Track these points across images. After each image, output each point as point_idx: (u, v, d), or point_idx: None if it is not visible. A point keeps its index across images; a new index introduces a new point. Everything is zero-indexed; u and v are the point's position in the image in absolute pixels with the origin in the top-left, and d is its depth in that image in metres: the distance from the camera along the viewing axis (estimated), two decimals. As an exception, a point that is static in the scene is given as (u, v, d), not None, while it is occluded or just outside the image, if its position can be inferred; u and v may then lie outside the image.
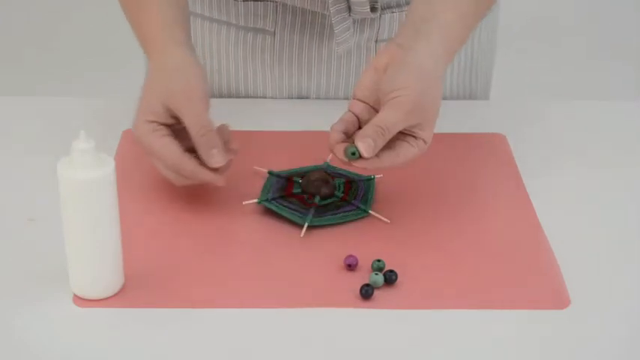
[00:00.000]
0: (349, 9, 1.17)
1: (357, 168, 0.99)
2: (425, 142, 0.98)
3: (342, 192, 1.06)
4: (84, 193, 0.87)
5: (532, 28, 3.31)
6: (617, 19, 3.41)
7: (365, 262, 0.97)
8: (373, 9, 1.18)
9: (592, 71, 3.11)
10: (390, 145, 0.97)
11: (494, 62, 1.36)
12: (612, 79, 3.05)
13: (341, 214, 1.03)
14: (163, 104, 1.00)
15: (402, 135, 0.98)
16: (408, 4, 1.22)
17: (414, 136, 0.98)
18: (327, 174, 1.07)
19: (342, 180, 1.08)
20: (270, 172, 1.09)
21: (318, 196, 1.04)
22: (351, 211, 1.04)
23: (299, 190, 1.06)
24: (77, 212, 0.88)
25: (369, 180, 1.08)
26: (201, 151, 0.99)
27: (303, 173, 1.09)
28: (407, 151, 0.98)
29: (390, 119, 0.95)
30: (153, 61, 1.05)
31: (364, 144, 0.95)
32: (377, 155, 0.96)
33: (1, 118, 1.23)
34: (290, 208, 1.03)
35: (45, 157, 1.14)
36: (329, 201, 1.05)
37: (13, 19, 3.35)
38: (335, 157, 0.99)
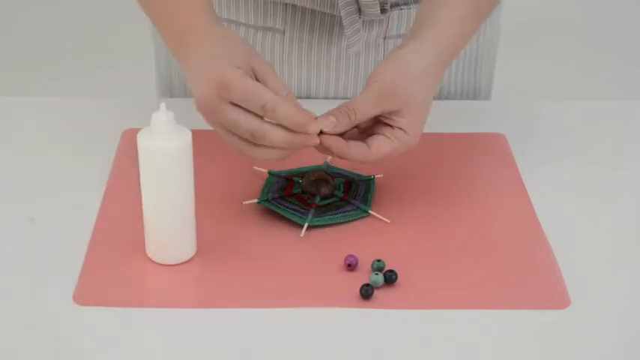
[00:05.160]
0: (359, 11, 1.17)
1: (359, 166, 1.00)
2: (405, 131, 0.98)
3: (342, 192, 1.06)
4: (163, 163, 0.92)
5: (532, 29, 3.31)
6: (618, 19, 3.41)
7: (365, 262, 0.97)
8: (383, 10, 1.18)
9: (592, 71, 3.11)
10: (365, 139, 0.99)
11: (497, 57, 1.37)
12: (612, 79, 3.05)
13: (341, 214, 1.03)
14: (247, 62, 0.96)
15: (381, 128, 0.99)
16: (416, 1, 1.22)
17: (391, 126, 0.98)
18: (327, 174, 1.07)
19: (342, 180, 1.08)
20: (270, 172, 1.09)
21: (318, 195, 1.04)
22: (351, 211, 1.04)
23: (299, 190, 1.06)
24: (156, 181, 0.93)
25: (369, 180, 1.09)
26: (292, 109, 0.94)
27: (303, 173, 1.09)
28: (381, 143, 0.98)
29: (358, 100, 0.98)
30: (200, 38, 1.00)
31: (325, 119, 0.97)
32: (348, 144, 0.97)
33: (1, 118, 1.23)
34: (290, 208, 1.03)
35: (45, 157, 1.14)
36: (329, 201, 1.05)
37: (13, 19, 3.35)
38: (335, 158, 1.00)
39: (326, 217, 1.02)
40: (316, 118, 0.97)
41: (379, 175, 1.09)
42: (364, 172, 1.09)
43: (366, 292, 0.92)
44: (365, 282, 0.93)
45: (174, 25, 1.03)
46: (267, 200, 1.04)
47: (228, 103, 0.94)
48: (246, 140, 0.95)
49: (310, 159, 1.11)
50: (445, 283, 0.95)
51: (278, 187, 1.06)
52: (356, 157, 0.98)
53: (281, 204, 1.04)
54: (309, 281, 0.95)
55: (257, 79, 0.96)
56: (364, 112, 0.98)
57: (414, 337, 0.89)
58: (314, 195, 1.05)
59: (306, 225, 1.01)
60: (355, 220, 1.03)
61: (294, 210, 1.03)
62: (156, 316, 0.91)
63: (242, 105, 0.94)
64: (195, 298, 0.94)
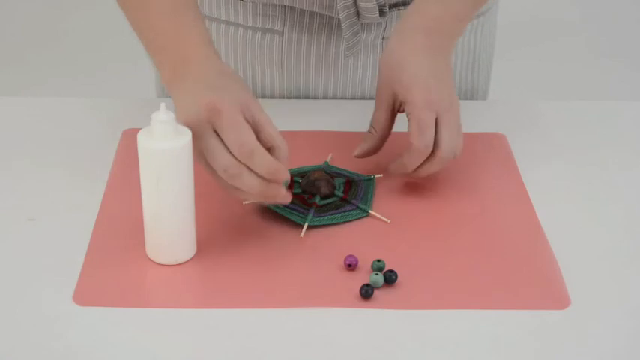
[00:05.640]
0: (358, 14, 1.17)
1: (358, 167, 1.08)
2: (413, 106, 1.01)
3: (342, 192, 1.06)
4: (163, 163, 0.92)
5: (532, 28, 3.31)
6: (617, 19, 3.42)
7: (365, 262, 0.97)
8: (382, 13, 1.18)
9: (592, 71, 3.11)
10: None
11: (496, 57, 1.37)
12: (612, 79, 3.05)
13: (341, 214, 1.03)
14: (245, 103, 0.94)
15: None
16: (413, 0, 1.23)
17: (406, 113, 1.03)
18: (327, 174, 1.07)
19: (342, 180, 1.08)
20: None
21: (318, 195, 1.04)
22: (351, 211, 1.04)
23: (299, 190, 1.06)
24: (156, 181, 0.92)
25: (369, 180, 1.09)
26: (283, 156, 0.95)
27: (303, 173, 1.09)
28: (409, 129, 1.03)
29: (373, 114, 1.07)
30: (201, 69, 0.98)
31: (355, 152, 1.08)
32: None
33: (1, 118, 1.23)
34: (290, 208, 1.03)
35: (45, 157, 1.14)
36: (329, 201, 1.05)
37: (14, 19, 3.35)
38: (335, 158, 1.03)
39: (326, 217, 1.02)
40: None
41: (379, 175, 1.09)
42: (364, 172, 1.09)
43: (366, 292, 0.92)
44: (365, 282, 0.93)
45: (173, 54, 1.00)
46: None
47: (213, 130, 0.93)
48: (221, 179, 0.94)
49: (310, 159, 1.11)
50: (445, 283, 0.95)
51: None
52: (414, 158, 1.03)
53: (281, 204, 1.03)
54: (309, 281, 0.95)
55: (250, 123, 0.94)
56: (377, 117, 1.05)
57: (414, 337, 0.89)
58: (314, 195, 1.05)
59: (306, 225, 1.01)
60: (355, 220, 1.03)
61: (294, 210, 1.03)
62: (156, 316, 0.91)
63: (223, 136, 0.92)
64: (195, 298, 0.94)
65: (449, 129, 1.02)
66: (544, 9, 3.41)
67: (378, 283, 0.93)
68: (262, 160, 0.92)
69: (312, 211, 1.03)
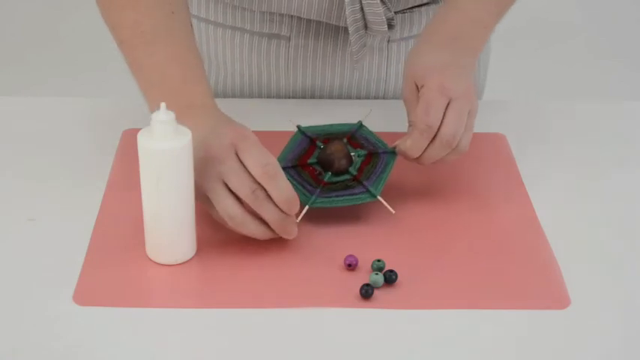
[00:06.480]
0: (366, 27, 1.17)
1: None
2: (426, 88, 1.01)
3: (357, 170, 1.04)
4: (163, 163, 0.91)
5: (532, 29, 3.31)
6: (617, 19, 3.41)
7: (365, 262, 0.96)
8: (390, 26, 1.18)
9: (592, 71, 3.11)
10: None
11: (503, 58, 1.37)
12: (612, 79, 3.05)
13: (348, 197, 1.01)
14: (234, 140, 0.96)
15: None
16: (419, 5, 1.23)
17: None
18: (354, 138, 1.06)
19: (364, 152, 1.06)
20: (299, 128, 1.08)
21: (330, 172, 1.03)
22: (359, 194, 1.02)
23: (314, 161, 1.05)
24: (156, 181, 0.92)
25: (393, 153, 1.05)
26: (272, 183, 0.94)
27: (332, 135, 1.07)
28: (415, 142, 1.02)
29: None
30: (213, 111, 1.00)
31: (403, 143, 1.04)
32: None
33: (1, 118, 1.23)
34: (299, 183, 1.02)
35: (45, 157, 1.14)
36: (340, 178, 1.03)
37: (14, 19, 3.35)
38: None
39: (332, 198, 1.01)
40: (395, 146, 1.03)
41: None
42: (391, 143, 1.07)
43: (366, 292, 0.92)
44: (365, 282, 0.93)
45: (177, 98, 1.00)
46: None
47: (235, 154, 0.94)
48: (239, 205, 0.94)
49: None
50: (445, 283, 0.95)
51: (299, 151, 1.06)
52: (416, 138, 1.01)
53: (292, 176, 1.02)
54: (309, 281, 0.95)
55: None
56: (411, 114, 1.03)
57: (414, 337, 0.89)
58: (326, 170, 1.03)
59: (305, 209, 1.00)
60: (360, 204, 1.02)
61: (302, 185, 1.02)
62: (156, 316, 0.91)
63: (247, 156, 0.94)
64: (195, 298, 0.94)
65: (455, 113, 1.00)
66: (544, 9, 3.40)
67: (378, 283, 0.93)
68: (284, 184, 0.94)
69: (318, 191, 1.01)
